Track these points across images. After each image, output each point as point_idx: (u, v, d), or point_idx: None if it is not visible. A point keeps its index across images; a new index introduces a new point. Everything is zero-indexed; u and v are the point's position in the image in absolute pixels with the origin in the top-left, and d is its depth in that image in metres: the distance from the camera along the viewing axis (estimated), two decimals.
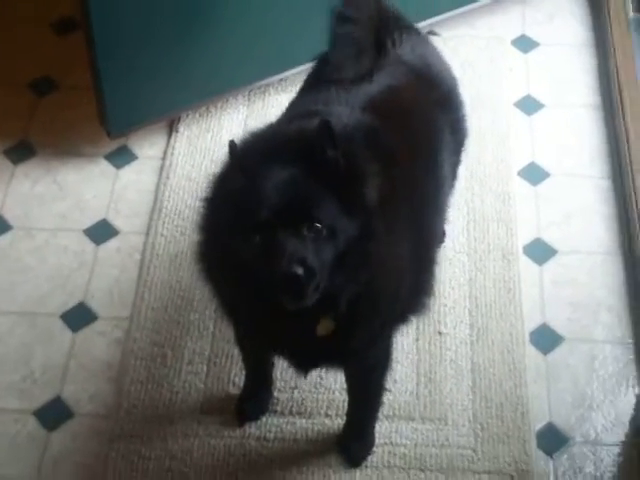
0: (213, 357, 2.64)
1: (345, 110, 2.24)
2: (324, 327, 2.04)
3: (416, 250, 2.20)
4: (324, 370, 2.48)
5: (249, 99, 3.23)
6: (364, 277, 1.99)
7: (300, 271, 1.86)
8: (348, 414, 2.49)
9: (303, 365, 2.24)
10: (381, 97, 2.32)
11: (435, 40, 3.32)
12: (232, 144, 1.98)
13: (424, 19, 3.30)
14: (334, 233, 1.92)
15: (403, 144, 2.24)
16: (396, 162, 2.16)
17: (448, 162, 2.47)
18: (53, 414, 2.56)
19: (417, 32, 2.59)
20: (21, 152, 3.11)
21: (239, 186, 1.94)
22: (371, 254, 1.97)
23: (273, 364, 2.54)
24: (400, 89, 2.37)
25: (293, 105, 2.48)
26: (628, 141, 3.02)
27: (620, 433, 2.53)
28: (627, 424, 2.54)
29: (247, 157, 1.99)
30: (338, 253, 1.93)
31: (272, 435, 2.51)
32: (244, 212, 1.93)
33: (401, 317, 2.28)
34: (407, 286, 2.19)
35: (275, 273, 1.88)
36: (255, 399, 2.55)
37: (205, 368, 2.62)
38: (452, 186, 2.61)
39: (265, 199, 1.91)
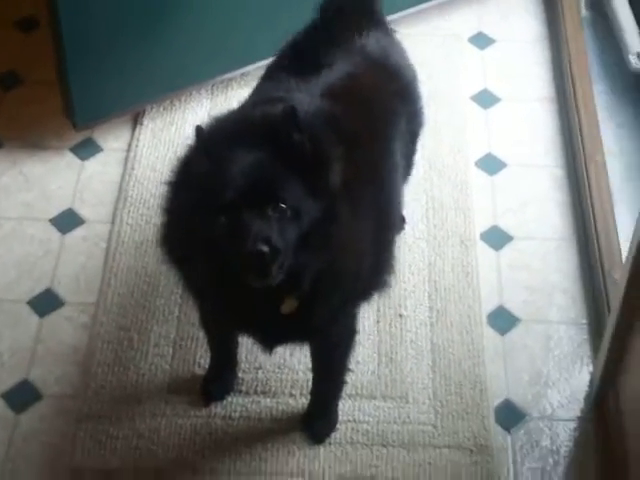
0: (178, 340, 2.69)
1: (305, 97, 2.31)
2: (288, 305, 2.10)
3: (376, 231, 2.28)
4: (289, 348, 2.55)
5: (212, 93, 3.29)
6: (326, 257, 2.06)
7: (265, 249, 1.93)
8: (312, 392, 2.55)
9: (268, 342, 2.30)
10: (341, 84, 2.39)
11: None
12: (199, 128, 2.04)
13: None
14: (298, 214, 1.99)
15: (363, 130, 2.31)
16: (357, 147, 2.22)
17: (404, 150, 2.55)
18: (21, 396, 2.60)
19: (386, 26, 2.67)
20: None
21: (204, 169, 2.00)
22: (333, 236, 2.04)
23: (237, 345, 2.59)
24: (359, 77, 2.44)
25: (254, 93, 2.55)
26: (581, 132, 3.11)
27: (575, 409, 2.61)
28: (582, 400, 2.62)
29: (212, 141, 2.05)
30: (302, 234, 1.99)
31: (237, 414, 2.57)
32: (210, 194, 1.98)
33: (363, 294, 2.35)
34: (368, 265, 2.25)
35: (241, 252, 1.94)
36: (220, 380, 2.60)
37: (171, 350, 2.67)
38: (408, 173, 2.69)
39: (230, 181, 1.98)
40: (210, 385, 2.60)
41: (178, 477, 2.48)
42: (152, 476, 2.48)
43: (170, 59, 3.11)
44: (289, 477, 2.48)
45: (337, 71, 2.42)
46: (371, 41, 2.53)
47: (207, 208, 1.98)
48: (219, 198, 1.97)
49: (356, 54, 2.48)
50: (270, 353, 2.34)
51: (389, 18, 3.36)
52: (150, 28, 3.02)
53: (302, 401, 2.58)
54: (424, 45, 3.46)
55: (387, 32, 2.67)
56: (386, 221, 2.39)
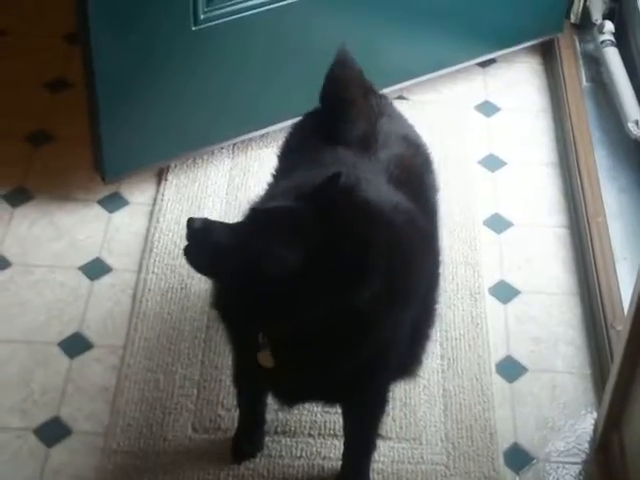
0: (202, 381, 2.82)
1: (380, 186, 2.32)
2: (264, 358, 2.21)
3: (416, 324, 2.38)
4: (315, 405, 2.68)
5: (233, 152, 3.46)
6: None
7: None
8: (344, 455, 2.58)
9: (287, 399, 2.41)
10: (395, 167, 2.43)
11: (404, 104, 3.62)
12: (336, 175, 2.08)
13: (392, 84, 3.57)
14: None
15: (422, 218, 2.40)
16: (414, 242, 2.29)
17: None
18: (52, 432, 2.71)
19: (384, 97, 2.74)
20: (19, 197, 3.31)
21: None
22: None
23: (265, 405, 2.63)
24: (403, 157, 2.49)
25: (298, 169, 2.47)
26: (583, 194, 3.27)
27: (580, 453, 2.73)
28: (586, 445, 2.74)
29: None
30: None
31: (259, 452, 2.68)
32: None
33: (387, 379, 2.45)
34: (398, 354, 2.35)
35: None
36: (250, 439, 2.65)
37: (195, 391, 2.79)
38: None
39: None
40: (240, 444, 2.65)
41: None
42: None
43: (194, 120, 3.28)
44: None
45: (384, 153, 2.43)
46: (387, 117, 2.58)
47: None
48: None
49: (384, 133, 2.49)
50: (288, 410, 2.47)
51: (401, 85, 3.61)
52: (175, 92, 3.19)
53: (320, 440, 2.69)
54: (434, 112, 3.64)
55: (387, 103, 2.71)
56: (428, 315, 2.50)
